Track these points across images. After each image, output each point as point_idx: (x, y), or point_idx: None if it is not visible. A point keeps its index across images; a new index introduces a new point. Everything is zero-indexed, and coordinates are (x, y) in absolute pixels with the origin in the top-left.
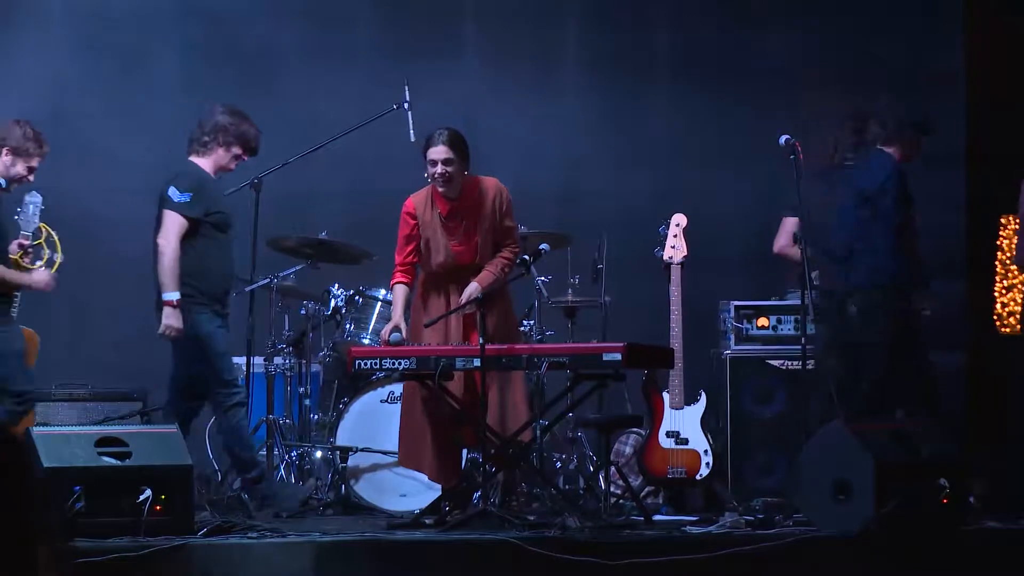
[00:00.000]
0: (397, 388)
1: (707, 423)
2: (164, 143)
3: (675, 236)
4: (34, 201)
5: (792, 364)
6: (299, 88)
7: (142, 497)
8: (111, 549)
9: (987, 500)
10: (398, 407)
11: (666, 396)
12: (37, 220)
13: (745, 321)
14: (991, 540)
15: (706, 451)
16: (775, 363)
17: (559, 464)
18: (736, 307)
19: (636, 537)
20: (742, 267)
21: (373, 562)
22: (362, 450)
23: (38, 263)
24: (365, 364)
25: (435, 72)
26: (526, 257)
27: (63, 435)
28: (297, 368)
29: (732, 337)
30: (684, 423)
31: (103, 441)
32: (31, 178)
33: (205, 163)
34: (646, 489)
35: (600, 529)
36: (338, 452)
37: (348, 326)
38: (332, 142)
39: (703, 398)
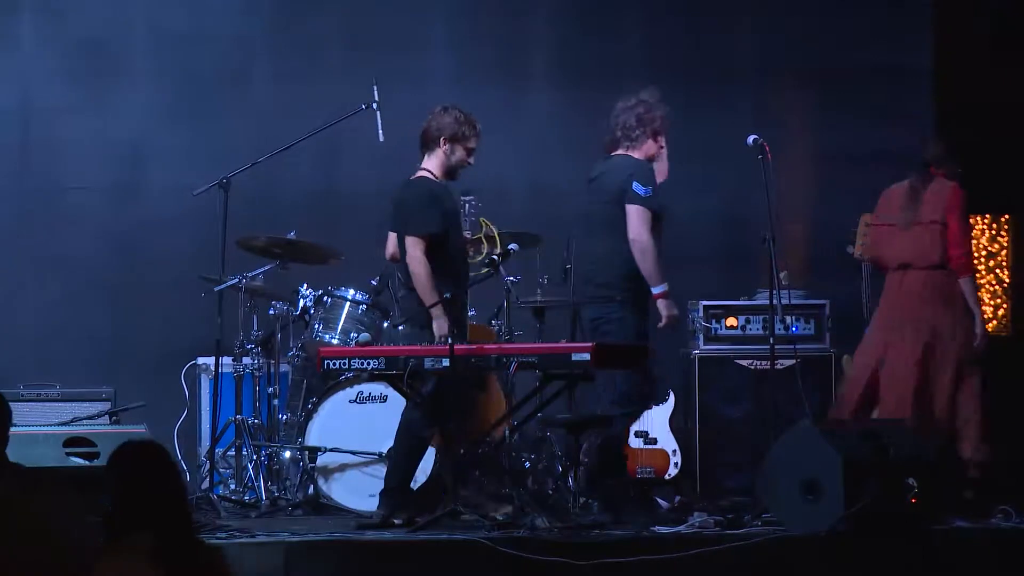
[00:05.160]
0: (366, 388)
1: (676, 422)
2: (133, 138)
3: None
4: (469, 200)
5: (761, 364)
6: (269, 87)
7: None
8: None
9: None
10: (367, 407)
11: None
12: (475, 216)
13: (714, 321)
14: (960, 540)
15: (674, 451)
16: (744, 363)
17: (528, 464)
18: (705, 307)
19: (604, 537)
20: (711, 267)
21: (342, 562)
22: (331, 450)
23: (478, 257)
24: (334, 364)
25: (404, 68)
26: (495, 257)
27: (31, 435)
28: (266, 368)
29: (701, 337)
30: (652, 423)
31: (71, 441)
32: (471, 160)
33: (636, 156)
34: None
35: (569, 529)
36: (307, 452)
37: (316, 326)
38: (301, 142)
39: (671, 398)
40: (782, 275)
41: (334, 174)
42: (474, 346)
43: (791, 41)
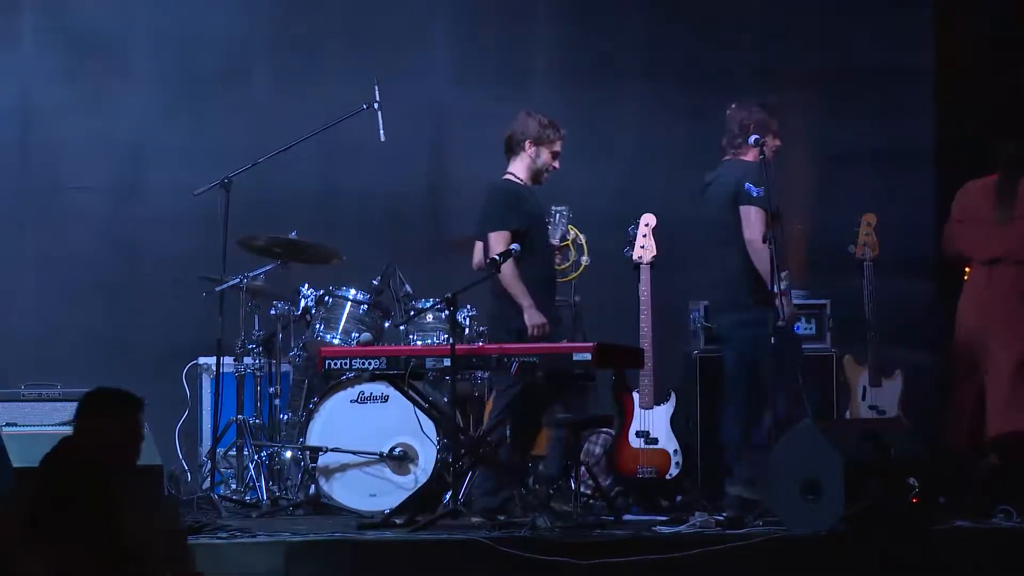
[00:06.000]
0: (367, 388)
1: (677, 423)
2: (133, 138)
3: (644, 236)
4: (561, 210)
5: None
6: (269, 87)
7: None
8: None
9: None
10: (368, 407)
11: (636, 396)
12: (565, 225)
13: (715, 321)
14: (961, 539)
15: (676, 451)
16: None
17: (529, 464)
18: (706, 307)
19: (606, 537)
20: (712, 267)
21: (343, 562)
22: (332, 450)
23: (564, 264)
24: (335, 364)
25: (404, 68)
26: (496, 257)
27: (32, 435)
28: (267, 368)
29: (702, 337)
30: (654, 423)
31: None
32: (556, 164)
33: (746, 159)
34: (616, 489)
35: (570, 529)
36: (308, 452)
37: (318, 326)
38: (302, 142)
39: (673, 398)
40: (783, 275)
41: (335, 174)
42: (474, 346)
43: (791, 41)
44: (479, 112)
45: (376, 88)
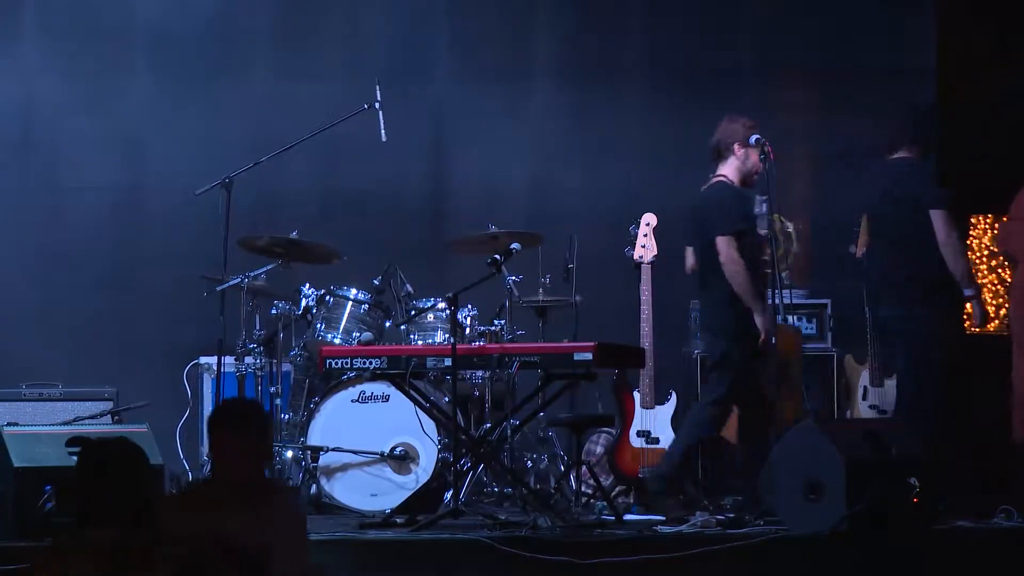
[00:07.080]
0: (368, 387)
1: (678, 422)
2: (135, 137)
3: (645, 235)
4: (764, 199)
5: None
6: (270, 85)
7: None
8: None
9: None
10: (369, 407)
11: (636, 396)
12: (767, 214)
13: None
14: (962, 539)
15: None
16: None
17: (530, 464)
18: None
19: (607, 536)
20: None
21: (344, 562)
22: (333, 450)
23: (771, 253)
24: (336, 363)
25: (404, 69)
26: (497, 256)
27: (33, 435)
28: (268, 368)
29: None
30: (655, 422)
31: (74, 441)
32: (765, 166)
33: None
34: (617, 488)
35: (571, 528)
36: (309, 452)
37: (319, 326)
38: (303, 141)
39: (673, 397)
40: (784, 274)
41: (336, 173)
42: (475, 346)
43: (792, 40)
44: (479, 112)
45: (377, 88)
